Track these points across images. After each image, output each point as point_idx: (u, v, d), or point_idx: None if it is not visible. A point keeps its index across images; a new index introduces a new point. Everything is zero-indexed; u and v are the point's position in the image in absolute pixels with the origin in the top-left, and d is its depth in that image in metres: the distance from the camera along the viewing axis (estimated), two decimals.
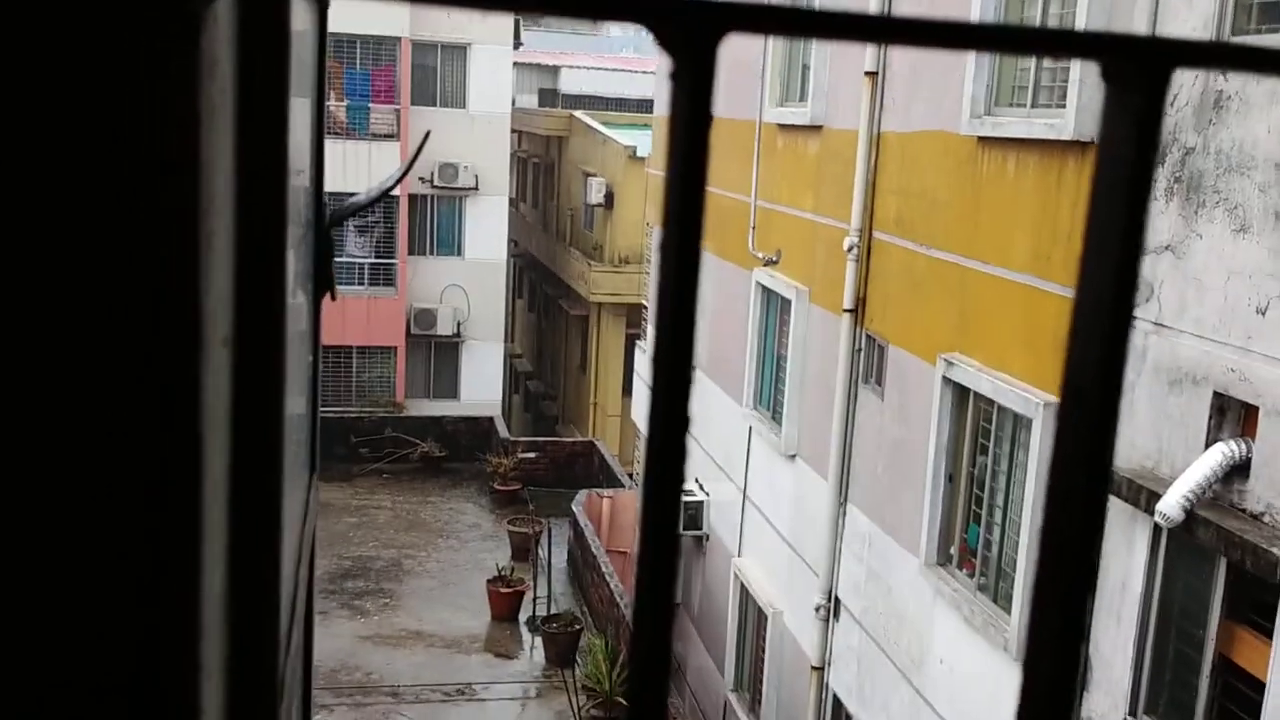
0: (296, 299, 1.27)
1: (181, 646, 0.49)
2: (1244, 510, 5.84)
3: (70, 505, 0.45)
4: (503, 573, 17.60)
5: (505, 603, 17.35)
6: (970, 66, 8.44)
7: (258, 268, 0.65)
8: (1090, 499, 0.40)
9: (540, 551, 18.09)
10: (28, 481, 0.44)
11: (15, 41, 0.39)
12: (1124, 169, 0.35)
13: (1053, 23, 7.83)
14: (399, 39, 24.64)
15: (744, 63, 13.11)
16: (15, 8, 0.39)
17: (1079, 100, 7.20)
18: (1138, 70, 0.34)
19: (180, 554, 0.46)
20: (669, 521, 0.38)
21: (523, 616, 17.38)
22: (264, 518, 0.72)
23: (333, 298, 1.52)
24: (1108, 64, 0.35)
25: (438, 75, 25.65)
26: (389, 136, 24.77)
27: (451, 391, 26.51)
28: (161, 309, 0.43)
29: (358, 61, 24.86)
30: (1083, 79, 7.18)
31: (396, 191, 24.53)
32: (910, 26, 0.34)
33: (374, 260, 25.50)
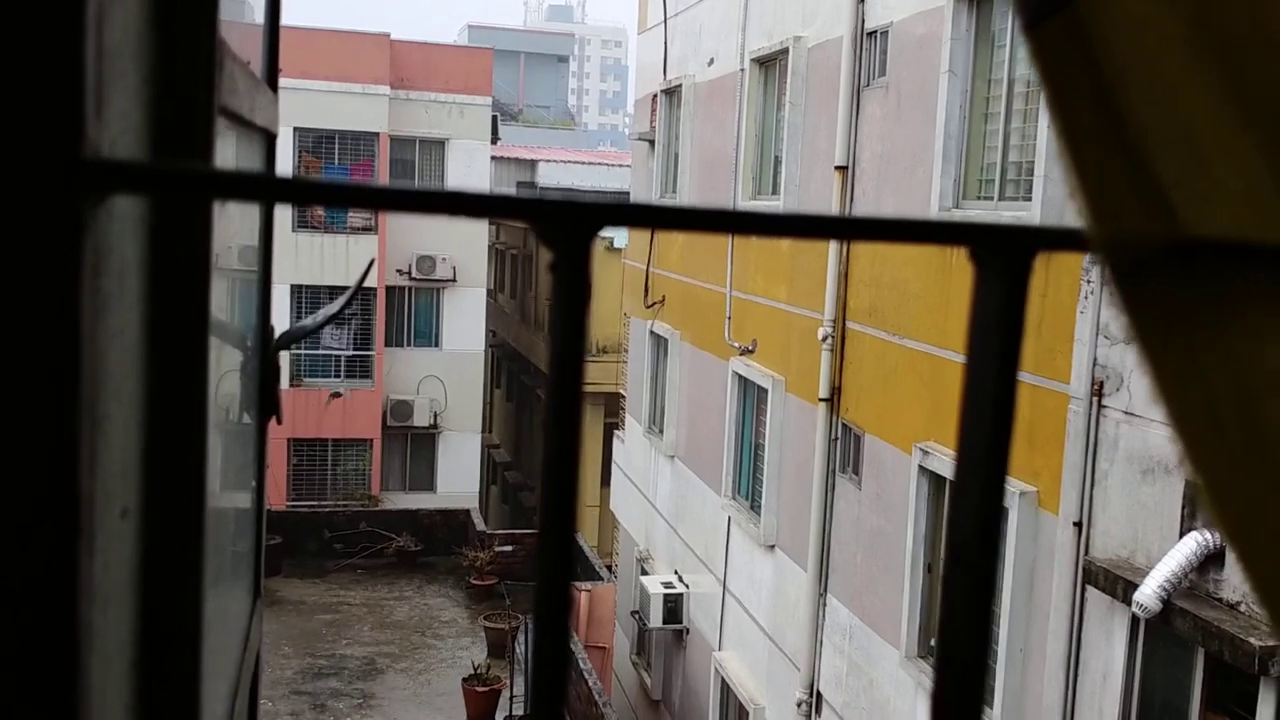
0: (240, 424, 1.27)
1: None
2: (1220, 600, 5.83)
3: None
4: (479, 671, 17.27)
5: (481, 702, 17.00)
6: (938, 161, 8.61)
7: (172, 438, 0.64)
8: (973, 656, 0.40)
9: (518, 648, 17.80)
10: None
11: None
12: (993, 348, 0.36)
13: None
14: (377, 134, 24.98)
15: (718, 157, 13.34)
16: None
17: (1044, 193, 7.34)
18: (1001, 256, 0.35)
19: None
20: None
21: (500, 716, 17.01)
22: (180, 686, 0.70)
23: (278, 421, 1.52)
24: (973, 250, 0.36)
25: (415, 169, 25.95)
26: (366, 229, 24.96)
27: (428, 484, 26.30)
28: (33, 501, 0.43)
29: (336, 157, 25.15)
30: (1047, 173, 7.33)
31: (374, 284, 24.65)
32: (779, 221, 0.34)
33: (351, 352, 25.48)
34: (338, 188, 0.34)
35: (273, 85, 1.41)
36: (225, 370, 1.10)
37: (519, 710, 16.66)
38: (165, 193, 0.42)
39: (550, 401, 0.36)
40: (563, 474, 0.36)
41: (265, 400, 1.42)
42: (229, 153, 1.01)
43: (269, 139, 1.40)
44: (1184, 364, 0.37)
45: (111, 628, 0.56)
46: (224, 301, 1.06)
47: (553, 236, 0.35)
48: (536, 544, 0.38)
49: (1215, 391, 0.37)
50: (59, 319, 0.41)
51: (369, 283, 24.39)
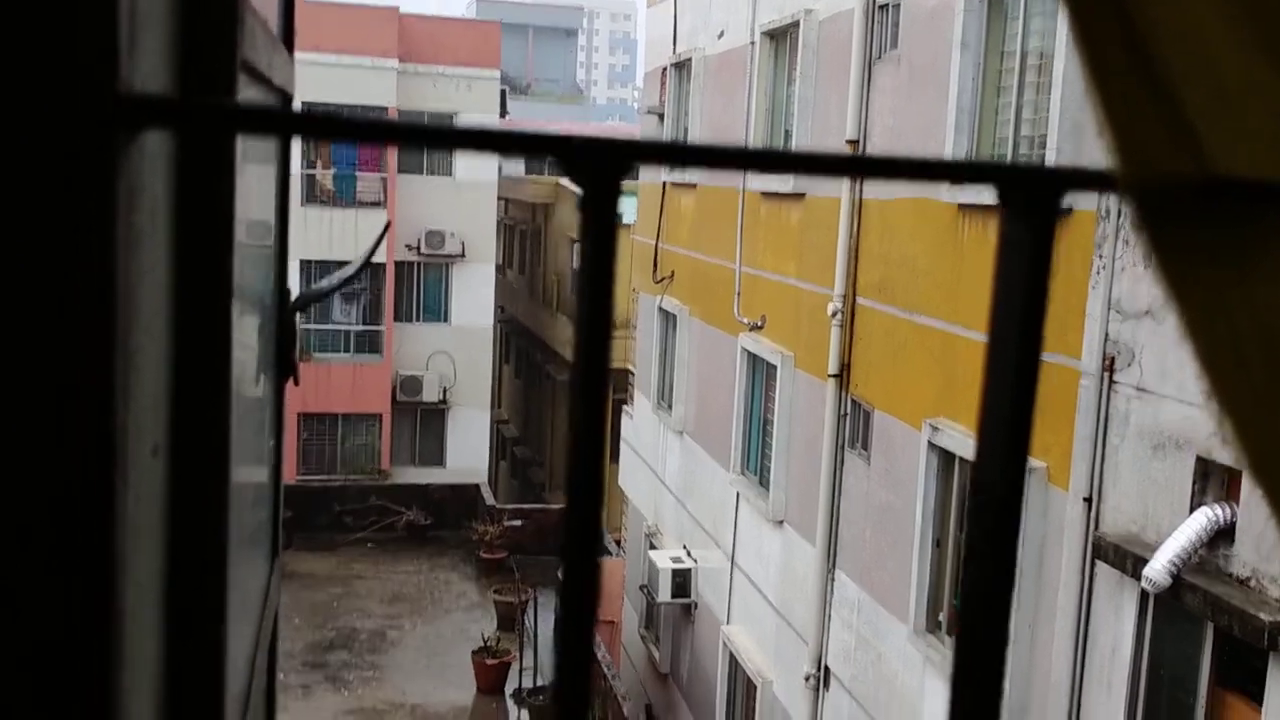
0: (259, 385, 1.27)
1: None
2: (1230, 575, 5.83)
3: None
4: (488, 643, 17.38)
5: (491, 674, 17.11)
6: (950, 134, 8.57)
7: (197, 376, 0.65)
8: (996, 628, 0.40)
9: (527, 621, 17.89)
10: None
11: None
12: (1019, 288, 0.36)
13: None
14: (386, 109, 24.91)
15: (728, 131, 13.29)
16: None
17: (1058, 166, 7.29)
18: (1030, 196, 0.35)
19: (95, 662, 0.46)
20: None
21: (509, 688, 17.13)
22: (206, 623, 0.71)
23: (295, 383, 1.53)
24: (1002, 191, 0.36)
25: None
26: (375, 204, 24.93)
27: (437, 459, 26.38)
28: (70, 429, 0.44)
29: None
30: (1059, 146, 7.29)
31: (383, 259, 24.65)
32: (806, 160, 0.34)
33: (360, 327, 25.52)
34: (361, 124, 0.35)
35: (289, 47, 1.41)
36: (244, 331, 1.11)
37: (528, 682, 16.76)
38: (196, 126, 0.42)
39: (579, 341, 0.36)
40: (590, 432, 0.36)
41: (282, 362, 1.44)
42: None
43: (285, 100, 1.40)
44: (1209, 302, 0.38)
45: (144, 559, 0.57)
46: (241, 269, 1.07)
47: (583, 174, 0.35)
48: (565, 487, 0.38)
49: (1239, 329, 0.37)
50: (96, 250, 0.42)
51: (378, 258, 24.39)
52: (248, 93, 0.93)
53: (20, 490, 0.43)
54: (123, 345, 0.44)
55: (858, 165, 0.36)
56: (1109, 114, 0.36)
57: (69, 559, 0.44)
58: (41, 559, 0.44)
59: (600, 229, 0.34)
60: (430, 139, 0.34)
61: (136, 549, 0.53)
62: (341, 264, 23.56)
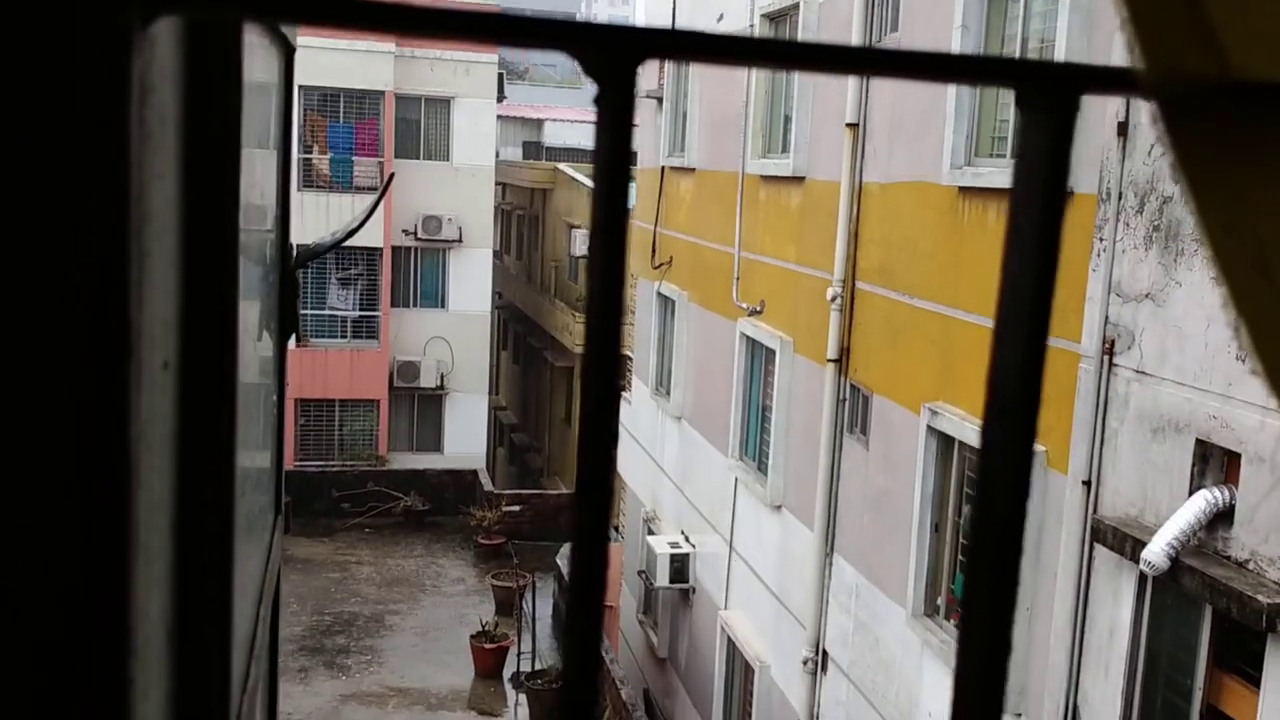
0: (262, 341, 1.27)
1: (111, 663, 0.49)
2: (1228, 558, 5.84)
3: None
4: (486, 628, 17.41)
5: (489, 659, 17.15)
6: (950, 117, 8.54)
7: (206, 296, 0.65)
8: (1013, 504, 0.40)
9: (525, 606, 17.93)
10: None
11: None
12: (1037, 192, 0.35)
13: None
14: (383, 93, 24.85)
15: (727, 115, 13.26)
16: None
17: None
18: (1048, 95, 0.34)
19: (109, 569, 0.46)
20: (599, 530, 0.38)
21: (507, 673, 17.17)
22: (215, 532, 0.71)
23: (298, 341, 1.52)
24: (1020, 90, 0.35)
25: (421, 128, 25.84)
26: (373, 189, 24.88)
27: (435, 444, 26.40)
28: (86, 321, 0.43)
29: (341, 115, 25.02)
30: None
31: (380, 243, 24.61)
32: (828, 53, 0.34)
33: (357, 313, 25.50)
34: (372, 6, 0.34)
35: None
36: (247, 289, 1.10)
37: (526, 667, 16.80)
38: (210, 6, 0.41)
39: (594, 246, 0.35)
40: (607, 347, 0.35)
41: (285, 317, 1.43)
42: (254, 59, 1.01)
43: (288, 51, 1.39)
44: (1229, 205, 0.37)
45: (155, 475, 0.57)
46: (247, 194, 1.05)
47: (598, 64, 0.34)
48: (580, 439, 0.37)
49: (1260, 232, 0.36)
50: (110, 133, 0.41)
51: (375, 242, 24.35)
52: (251, 30, 0.92)
53: (35, 385, 0.42)
54: (136, 239, 0.43)
55: (869, 59, 0.35)
56: (1132, 10, 0.36)
57: (83, 460, 0.44)
58: (56, 454, 0.43)
59: (616, 123, 0.34)
60: (437, 25, 0.33)
61: (149, 459, 0.53)
62: (339, 249, 23.54)
